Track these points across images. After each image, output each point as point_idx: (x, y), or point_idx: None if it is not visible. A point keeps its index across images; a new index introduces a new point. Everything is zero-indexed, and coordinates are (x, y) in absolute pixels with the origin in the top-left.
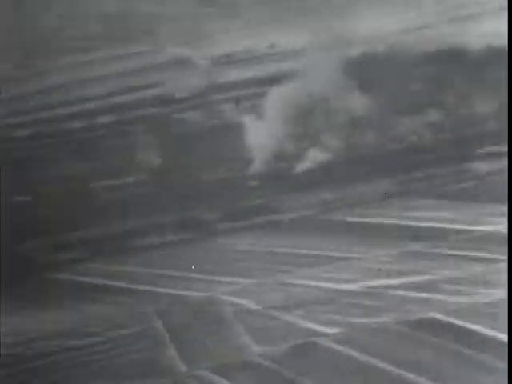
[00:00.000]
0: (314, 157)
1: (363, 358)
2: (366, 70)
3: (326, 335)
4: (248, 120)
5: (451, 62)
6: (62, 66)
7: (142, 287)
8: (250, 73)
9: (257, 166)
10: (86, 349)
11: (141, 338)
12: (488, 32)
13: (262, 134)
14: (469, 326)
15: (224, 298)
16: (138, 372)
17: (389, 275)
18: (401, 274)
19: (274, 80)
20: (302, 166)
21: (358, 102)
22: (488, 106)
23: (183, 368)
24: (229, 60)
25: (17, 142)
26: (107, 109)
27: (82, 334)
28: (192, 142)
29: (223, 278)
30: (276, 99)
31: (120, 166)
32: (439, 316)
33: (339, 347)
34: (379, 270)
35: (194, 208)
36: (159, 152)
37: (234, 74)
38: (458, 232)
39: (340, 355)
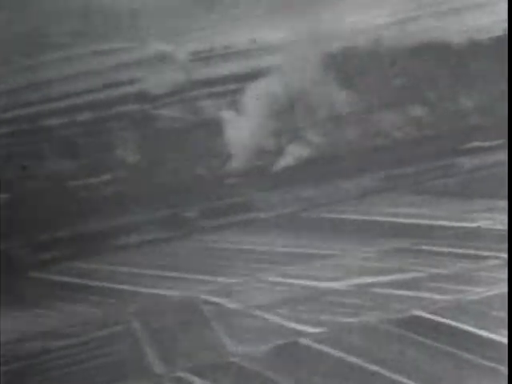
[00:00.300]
0: (295, 153)
1: (347, 358)
2: (348, 65)
3: (308, 335)
4: (227, 116)
5: (434, 57)
6: (42, 63)
7: (122, 287)
8: (229, 68)
9: (236, 162)
10: (65, 350)
11: (120, 338)
12: (469, 26)
13: (241, 130)
14: (454, 324)
15: (204, 297)
16: (117, 374)
17: (372, 273)
18: (384, 271)
19: (254, 75)
20: (282, 163)
21: (340, 98)
22: (472, 101)
23: (162, 369)
24: (208, 55)
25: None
26: (85, 106)
27: (62, 335)
28: (171, 138)
29: (203, 277)
30: (256, 95)
31: (98, 163)
32: (424, 314)
33: (322, 347)
34: (362, 267)
35: (173, 206)
36: (138, 149)
37: (213, 70)
38: (442, 228)
39: (323, 355)
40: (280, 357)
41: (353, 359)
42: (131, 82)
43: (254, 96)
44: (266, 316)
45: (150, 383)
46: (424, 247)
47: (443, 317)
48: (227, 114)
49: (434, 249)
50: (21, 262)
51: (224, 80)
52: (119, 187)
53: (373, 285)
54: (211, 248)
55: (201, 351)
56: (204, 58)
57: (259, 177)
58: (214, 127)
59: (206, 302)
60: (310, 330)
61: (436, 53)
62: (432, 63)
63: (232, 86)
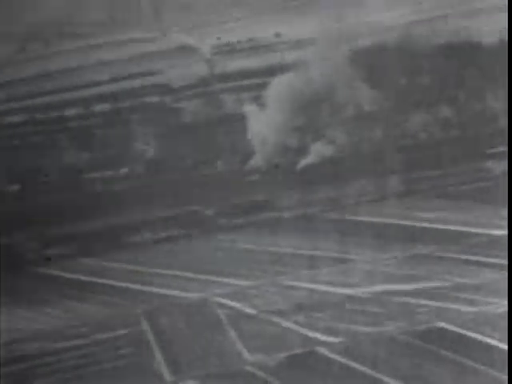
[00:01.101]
0: (319, 151)
1: (365, 370)
2: (375, 63)
3: (325, 344)
4: (250, 111)
5: (463, 57)
6: (61, 52)
7: (132, 286)
8: (253, 62)
9: (258, 159)
10: (69, 352)
11: (127, 341)
12: (501, 26)
13: (264, 127)
14: (480, 338)
15: (218, 300)
16: (122, 380)
17: (394, 280)
18: (407, 279)
19: (278, 70)
20: (305, 161)
21: (366, 96)
22: (501, 103)
23: (169, 377)
24: (232, 49)
25: (9, 128)
26: (104, 96)
27: (66, 336)
28: (191, 133)
29: (218, 279)
30: (280, 90)
31: (115, 156)
32: (448, 327)
33: (339, 358)
34: (383, 274)
35: (190, 203)
36: (156, 143)
37: (237, 64)
38: (469, 235)
39: (339, 367)
40: (295, 367)
41: (372, 372)
42: (152, 73)
43: (278, 91)
44: (283, 322)
45: None
46: (449, 254)
47: (469, 330)
48: (250, 109)
49: (460, 257)
50: (28, 257)
51: (248, 74)
52: (136, 182)
53: (394, 293)
54: (228, 248)
55: (213, 358)
56: (227, 51)
57: (281, 175)
58: (237, 122)
59: (221, 306)
60: (327, 339)
61: (465, 53)
62: (461, 63)
63: (256, 81)
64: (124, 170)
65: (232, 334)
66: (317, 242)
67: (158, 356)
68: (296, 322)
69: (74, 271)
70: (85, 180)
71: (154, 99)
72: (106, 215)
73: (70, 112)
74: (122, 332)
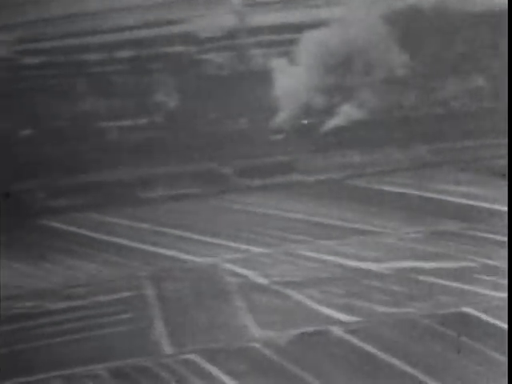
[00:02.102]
0: (347, 114)
1: (380, 355)
2: (410, 26)
3: (340, 323)
4: (278, 67)
5: (499, 25)
6: None
7: (139, 245)
8: (285, 17)
9: (282, 118)
10: (64, 314)
11: (128, 306)
12: None
13: (291, 84)
14: (505, 326)
15: (228, 266)
16: (118, 349)
17: (418, 257)
18: (432, 256)
19: (310, 26)
20: (331, 123)
21: (399, 59)
22: None
23: (170, 349)
24: (264, 2)
25: (26, 69)
26: (127, 43)
27: (63, 296)
28: (215, 86)
29: (230, 243)
30: (311, 47)
31: (134, 105)
32: (474, 312)
33: (354, 339)
34: (407, 249)
35: (209, 159)
36: (179, 94)
37: (268, 18)
38: (500, 214)
39: (354, 349)
40: (305, 346)
41: (385, 356)
42: (179, 22)
43: (309, 48)
44: (296, 296)
45: (154, 364)
46: (479, 233)
47: (495, 317)
48: (278, 66)
49: (491, 236)
50: (32, 206)
51: (278, 29)
52: (154, 134)
53: (417, 271)
54: (243, 211)
55: (218, 331)
56: (259, 3)
57: (306, 136)
58: (263, 78)
59: (230, 273)
60: (342, 317)
61: (501, 21)
62: (496, 32)
63: (286, 36)
64: (143, 121)
65: (240, 305)
66: (338, 210)
67: (159, 325)
68: (310, 297)
69: (80, 225)
70: (101, 128)
71: (179, 49)
72: (119, 167)
73: (91, 57)
74: (124, 295)
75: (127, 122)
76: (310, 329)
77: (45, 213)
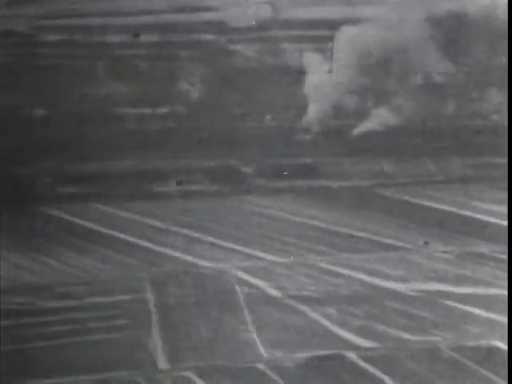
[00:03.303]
0: (380, 118)
1: None
2: (454, 32)
3: (356, 348)
4: (310, 64)
5: None
6: None
7: (144, 243)
8: (323, 11)
9: (311, 118)
10: (54, 315)
11: (124, 311)
12: None
13: (323, 82)
14: None
15: (239, 274)
16: (108, 359)
17: (447, 280)
18: (461, 280)
19: (348, 23)
20: (363, 127)
21: (440, 66)
22: None
23: (163, 364)
24: None
25: (44, 46)
26: (153, 27)
27: (56, 294)
28: (243, 79)
29: (244, 249)
30: (347, 45)
31: (155, 93)
32: (504, 347)
33: (370, 368)
34: (436, 270)
35: (228, 156)
36: (202, 84)
37: (304, 11)
38: None
39: (369, 379)
40: (315, 371)
41: None
42: (210, 8)
43: (345, 46)
44: (311, 314)
45: (145, 380)
46: None
47: None
48: (310, 62)
49: None
50: (35, 192)
51: (314, 24)
52: (174, 124)
53: (444, 295)
54: (262, 214)
55: (220, 347)
56: None
57: (335, 139)
58: (294, 74)
59: (241, 281)
60: (360, 342)
61: None
62: None
63: (322, 32)
64: (163, 110)
65: (248, 318)
66: (364, 221)
67: (156, 335)
68: (325, 315)
69: (83, 217)
70: (118, 115)
71: (208, 37)
72: (133, 157)
73: (114, 39)
74: (121, 298)
75: (147, 110)
76: (323, 352)
77: (48, 200)
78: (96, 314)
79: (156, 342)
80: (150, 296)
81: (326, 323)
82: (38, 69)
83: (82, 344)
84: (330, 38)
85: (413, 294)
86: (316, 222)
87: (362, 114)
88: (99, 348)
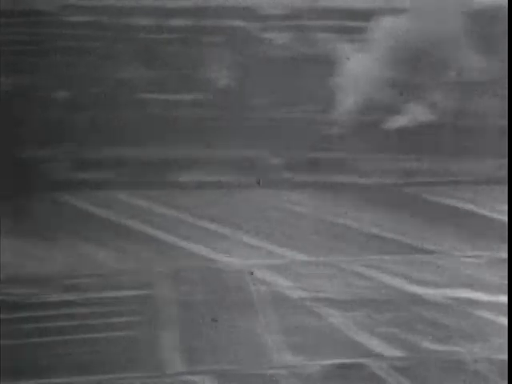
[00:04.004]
0: (413, 114)
1: None
2: (491, 27)
3: (380, 357)
4: (343, 55)
5: None
6: None
7: (163, 235)
8: (359, 2)
9: (343, 111)
10: (58, 308)
11: (134, 307)
12: None
13: (356, 75)
14: None
15: (260, 272)
16: (116, 359)
17: (476, 287)
18: (491, 288)
19: (384, 15)
20: (396, 122)
21: (476, 62)
22: None
23: (171, 367)
24: None
25: (70, 27)
26: (183, 11)
27: (63, 286)
28: (273, 68)
29: (267, 245)
30: (382, 36)
31: (182, 79)
32: None
33: (393, 379)
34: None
35: (254, 147)
36: (231, 72)
37: (340, 1)
38: None
39: None
40: (336, 380)
41: None
42: None
43: (380, 38)
44: (332, 316)
45: (158, 382)
46: None
47: None
48: (344, 53)
49: None
50: (51, 176)
51: (350, 14)
52: (200, 112)
53: (474, 303)
54: (288, 209)
55: (234, 350)
56: None
57: (366, 133)
58: (326, 65)
59: (261, 280)
60: (384, 350)
61: None
62: None
63: (357, 22)
64: (189, 97)
65: (266, 320)
66: (394, 221)
67: (166, 336)
68: (348, 320)
69: (99, 204)
70: (142, 100)
71: (239, 24)
72: (156, 144)
73: (141, 22)
74: (132, 293)
75: (172, 96)
76: (345, 360)
77: (63, 186)
78: (104, 309)
79: (165, 343)
80: (163, 291)
81: (350, 329)
82: (62, 50)
83: (86, 342)
84: (366, 29)
85: (441, 300)
86: (342, 220)
87: (394, 109)
88: (105, 347)
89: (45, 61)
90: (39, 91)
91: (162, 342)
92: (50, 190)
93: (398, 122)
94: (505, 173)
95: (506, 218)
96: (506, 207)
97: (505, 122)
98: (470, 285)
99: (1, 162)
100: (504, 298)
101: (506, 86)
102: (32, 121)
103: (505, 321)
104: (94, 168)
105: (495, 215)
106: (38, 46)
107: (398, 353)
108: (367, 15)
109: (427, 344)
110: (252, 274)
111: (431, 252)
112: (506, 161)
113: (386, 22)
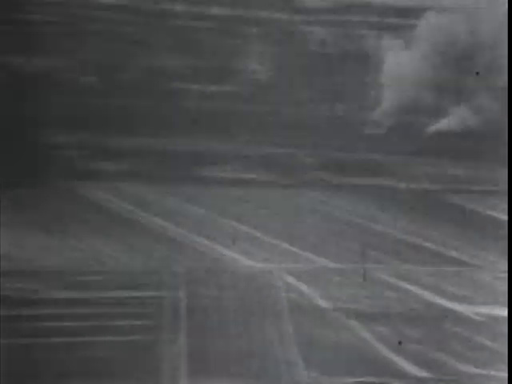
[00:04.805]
0: (459, 118)
1: None
2: None
3: (408, 378)
4: (388, 53)
5: None
6: None
7: (181, 232)
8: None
9: (384, 111)
10: (66, 307)
11: (149, 310)
12: None
13: (401, 73)
14: None
15: (284, 277)
16: (120, 366)
17: None
18: None
19: (431, 11)
20: (439, 125)
21: None
22: None
23: (182, 379)
24: None
25: (101, 10)
26: (223, 0)
27: (74, 284)
28: (315, 63)
29: (295, 249)
30: (428, 34)
31: (219, 69)
32: None
33: None
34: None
35: (290, 144)
36: (272, 65)
37: None
38: None
39: None
40: None
41: None
42: None
43: (427, 37)
44: (361, 331)
45: None
46: None
47: None
48: (389, 51)
49: None
50: (68, 165)
51: (396, 10)
52: (236, 104)
53: None
54: (319, 212)
55: (253, 363)
56: None
57: (408, 135)
58: (369, 63)
59: (286, 287)
60: (414, 370)
61: None
62: None
63: (403, 19)
64: (224, 89)
65: (289, 330)
66: (432, 230)
67: (181, 344)
68: (377, 335)
69: (116, 196)
70: (174, 89)
71: (280, 16)
72: (185, 136)
73: (178, 8)
74: (148, 294)
75: (206, 88)
76: (372, 379)
77: (80, 175)
78: (113, 310)
79: (177, 350)
80: (181, 295)
81: (377, 345)
82: (92, 33)
83: (90, 345)
84: (412, 27)
85: (476, 318)
86: (377, 226)
87: (439, 111)
88: (110, 352)
89: (74, 43)
90: (66, 74)
91: (175, 349)
92: (65, 178)
93: (442, 125)
94: None
95: None
96: None
97: None
98: (502, 302)
99: (18, 145)
100: None
101: None
102: (55, 105)
103: None
104: (114, 157)
105: None
106: (69, 27)
107: (427, 374)
108: (414, 12)
109: (460, 366)
110: (275, 278)
111: (470, 265)
112: None
113: (435, 20)
